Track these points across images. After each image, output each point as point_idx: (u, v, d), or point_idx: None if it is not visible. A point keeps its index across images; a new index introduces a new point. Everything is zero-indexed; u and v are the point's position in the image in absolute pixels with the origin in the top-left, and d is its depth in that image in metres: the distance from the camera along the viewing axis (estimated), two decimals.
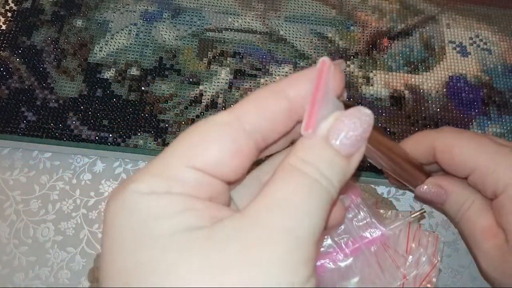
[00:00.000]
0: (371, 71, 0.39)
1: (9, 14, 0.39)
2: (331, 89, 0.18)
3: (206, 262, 0.15)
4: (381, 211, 0.30)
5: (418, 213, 0.30)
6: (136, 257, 0.15)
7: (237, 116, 0.17)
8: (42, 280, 0.32)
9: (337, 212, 0.21)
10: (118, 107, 0.36)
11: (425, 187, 0.29)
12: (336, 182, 0.17)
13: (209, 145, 0.17)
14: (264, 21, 0.41)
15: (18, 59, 0.38)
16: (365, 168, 0.35)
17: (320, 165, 0.17)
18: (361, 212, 0.29)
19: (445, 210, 0.30)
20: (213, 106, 0.37)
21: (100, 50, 0.38)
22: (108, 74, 0.37)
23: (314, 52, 0.40)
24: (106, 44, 0.39)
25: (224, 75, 0.38)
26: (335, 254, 0.28)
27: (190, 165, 0.17)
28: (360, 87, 0.38)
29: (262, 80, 0.38)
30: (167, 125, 0.36)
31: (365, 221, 0.29)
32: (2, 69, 0.37)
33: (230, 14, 0.41)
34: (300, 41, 0.40)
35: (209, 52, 0.39)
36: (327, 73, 0.17)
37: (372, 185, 0.34)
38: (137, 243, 0.15)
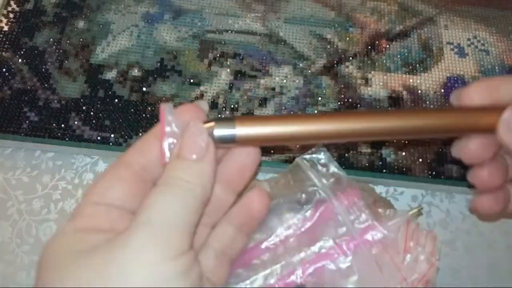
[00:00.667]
0: (370, 72, 0.39)
1: (11, 16, 0.40)
2: (174, 123, 0.22)
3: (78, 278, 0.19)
4: (380, 210, 0.30)
5: (416, 210, 0.30)
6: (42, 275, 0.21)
7: (123, 160, 0.23)
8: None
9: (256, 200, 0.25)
10: (120, 107, 0.37)
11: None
12: (197, 181, 0.21)
13: (102, 181, 0.22)
14: (264, 22, 0.41)
15: (20, 60, 0.38)
16: (363, 167, 0.35)
17: (175, 174, 0.21)
18: (363, 214, 0.29)
19: None
20: (213, 107, 0.37)
21: (102, 51, 0.39)
22: (110, 75, 0.38)
23: (314, 53, 0.40)
24: (108, 45, 0.39)
25: (224, 76, 0.38)
26: (336, 255, 0.29)
27: (92, 201, 0.22)
28: (358, 87, 0.39)
29: (262, 81, 0.38)
30: None
31: (366, 223, 0.29)
32: (4, 70, 0.37)
33: (230, 15, 0.41)
34: (299, 42, 0.40)
35: (210, 53, 0.39)
36: (163, 116, 0.22)
37: (371, 185, 0.34)
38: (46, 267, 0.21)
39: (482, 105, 0.24)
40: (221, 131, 0.22)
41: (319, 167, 0.31)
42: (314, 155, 0.31)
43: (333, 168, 0.30)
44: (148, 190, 0.21)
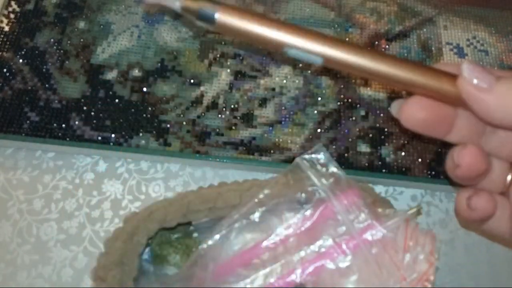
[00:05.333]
0: None
1: (12, 16, 0.40)
2: None
3: None
4: (379, 209, 0.30)
5: (415, 209, 0.30)
6: None
7: None
8: (45, 279, 0.33)
9: None
10: (120, 107, 0.37)
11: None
12: None
13: None
14: None
15: (21, 60, 0.38)
16: (362, 167, 0.35)
17: None
18: (362, 214, 0.29)
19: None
20: (213, 107, 0.37)
21: (103, 52, 0.39)
22: (111, 75, 0.38)
23: None
24: (108, 46, 0.39)
25: (224, 76, 0.39)
26: (335, 254, 0.29)
27: None
28: (358, 88, 0.39)
29: (262, 81, 0.39)
30: (168, 126, 0.36)
31: (366, 223, 0.29)
32: (5, 70, 0.38)
33: None
34: None
35: (210, 54, 0.39)
36: None
37: (370, 185, 0.34)
38: None
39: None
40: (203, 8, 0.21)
41: (319, 167, 0.31)
42: (313, 155, 0.31)
43: (333, 168, 0.31)
44: None
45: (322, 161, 0.31)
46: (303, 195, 0.30)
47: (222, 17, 0.21)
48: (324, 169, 0.31)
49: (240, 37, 0.22)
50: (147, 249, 0.31)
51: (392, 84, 0.24)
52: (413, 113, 0.26)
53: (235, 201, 0.30)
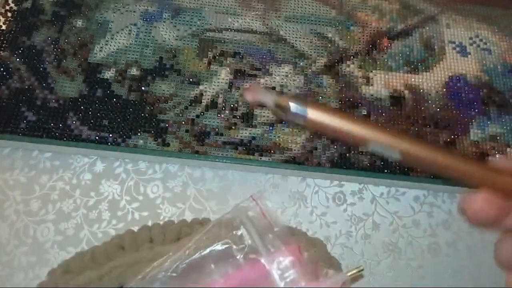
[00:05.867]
0: (371, 71, 0.39)
1: (9, 14, 0.39)
2: None
3: None
4: (322, 268, 0.29)
5: (355, 270, 0.29)
6: None
7: None
8: (42, 280, 0.32)
9: None
10: (118, 107, 0.36)
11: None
12: None
13: None
14: (264, 21, 0.41)
15: (18, 59, 0.38)
16: (364, 168, 0.35)
17: None
18: (294, 273, 0.28)
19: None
20: (213, 106, 0.37)
21: (100, 50, 0.38)
22: (108, 74, 0.37)
23: (314, 52, 0.40)
24: (106, 44, 0.39)
25: (224, 75, 0.38)
26: None
27: None
28: (360, 87, 0.38)
29: (262, 80, 0.38)
30: (167, 125, 0.36)
31: (298, 284, 0.28)
32: (2, 69, 0.37)
33: (230, 14, 0.41)
34: (300, 41, 0.40)
35: (209, 52, 0.39)
36: None
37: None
38: None
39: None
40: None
41: (254, 221, 0.29)
42: (252, 205, 0.30)
43: (271, 221, 0.29)
44: None
45: (259, 213, 0.29)
46: (234, 247, 0.29)
47: (312, 114, 0.24)
48: (262, 223, 0.29)
49: (326, 131, 0.24)
50: None
51: (463, 179, 0.26)
52: (481, 210, 0.26)
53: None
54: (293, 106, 0.23)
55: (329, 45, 0.40)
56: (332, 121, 0.24)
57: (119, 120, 0.36)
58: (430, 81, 0.39)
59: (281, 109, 0.24)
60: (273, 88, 0.38)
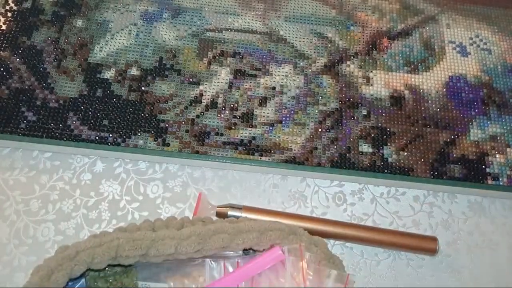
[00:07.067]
0: (371, 71, 0.39)
1: (9, 14, 0.39)
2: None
3: None
4: (323, 268, 0.29)
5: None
6: None
7: None
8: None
9: None
10: (118, 107, 0.36)
11: None
12: None
13: None
14: (264, 21, 0.41)
15: (18, 59, 0.38)
16: (364, 168, 0.35)
17: None
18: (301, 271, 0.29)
19: None
20: (213, 106, 0.37)
21: (100, 50, 0.38)
22: (108, 74, 0.37)
23: (314, 52, 0.40)
24: (106, 44, 0.39)
25: (224, 75, 0.38)
26: None
27: None
28: (360, 87, 0.38)
29: (262, 80, 0.38)
30: (167, 125, 0.36)
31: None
32: (2, 69, 0.37)
33: (230, 14, 0.41)
34: (300, 41, 0.40)
35: (209, 52, 0.39)
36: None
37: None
38: None
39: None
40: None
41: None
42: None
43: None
44: None
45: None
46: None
47: (245, 215, 0.33)
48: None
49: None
50: (82, 280, 0.30)
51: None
52: None
53: (169, 251, 0.28)
54: (230, 212, 0.33)
55: (329, 45, 0.40)
56: (261, 215, 0.32)
57: (119, 120, 0.36)
58: (430, 81, 0.39)
59: (221, 216, 0.33)
60: (273, 88, 0.38)
